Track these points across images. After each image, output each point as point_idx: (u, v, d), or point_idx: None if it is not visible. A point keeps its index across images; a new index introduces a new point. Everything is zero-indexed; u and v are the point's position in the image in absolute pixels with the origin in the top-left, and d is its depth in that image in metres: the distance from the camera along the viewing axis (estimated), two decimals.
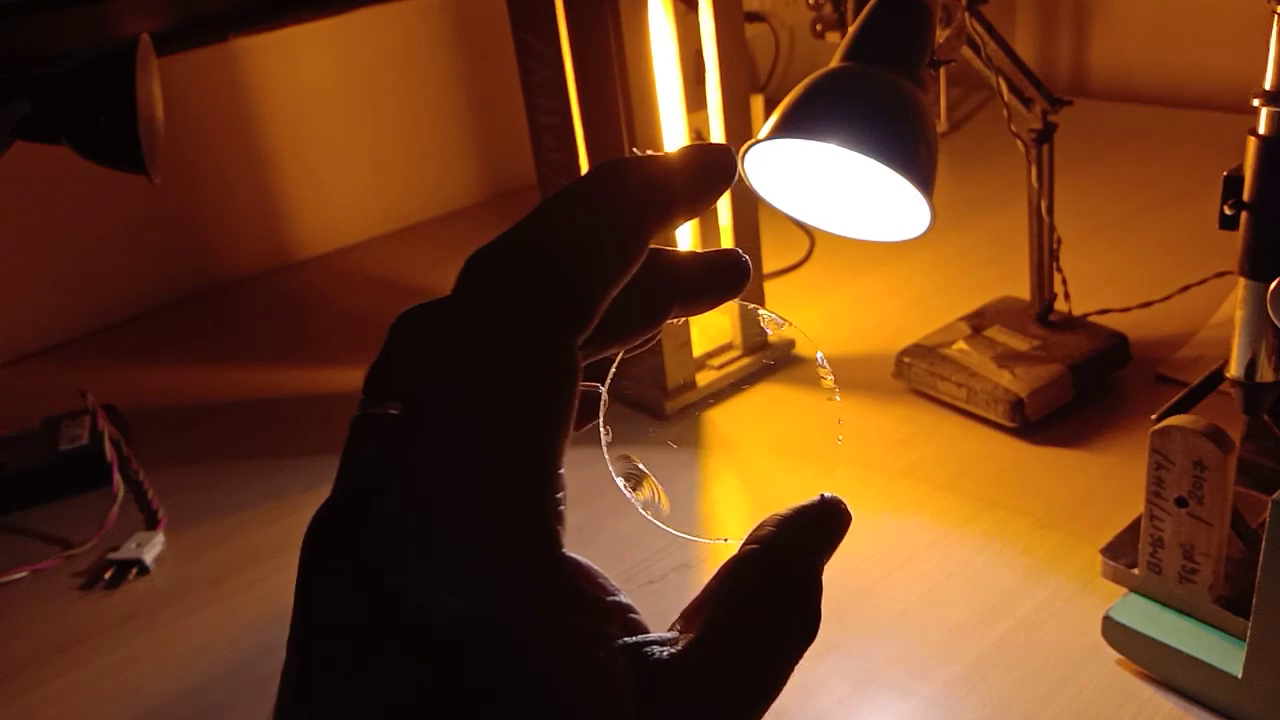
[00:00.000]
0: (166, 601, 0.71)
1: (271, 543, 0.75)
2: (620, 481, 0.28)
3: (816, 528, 0.26)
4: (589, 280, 0.22)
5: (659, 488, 0.29)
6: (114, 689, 0.64)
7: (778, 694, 0.24)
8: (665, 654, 0.23)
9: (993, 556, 0.65)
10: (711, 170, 0.25)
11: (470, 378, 0.22)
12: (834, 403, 0.30)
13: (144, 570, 0.73)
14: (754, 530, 0.26)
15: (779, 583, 0.25)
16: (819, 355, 0.30)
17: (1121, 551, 0.57)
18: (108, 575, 0.73)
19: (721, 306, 0.27)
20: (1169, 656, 0.54)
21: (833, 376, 0.30)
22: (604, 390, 0.27)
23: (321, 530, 0.22)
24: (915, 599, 0.63)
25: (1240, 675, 0.51)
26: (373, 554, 0.21)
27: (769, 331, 0.30)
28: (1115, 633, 0.56)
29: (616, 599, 0.24)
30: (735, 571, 0.25)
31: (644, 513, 0.29)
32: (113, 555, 0.74)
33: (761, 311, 0.30)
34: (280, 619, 0.71)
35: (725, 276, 0.26)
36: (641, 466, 0.29)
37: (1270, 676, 0.49)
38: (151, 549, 0.74)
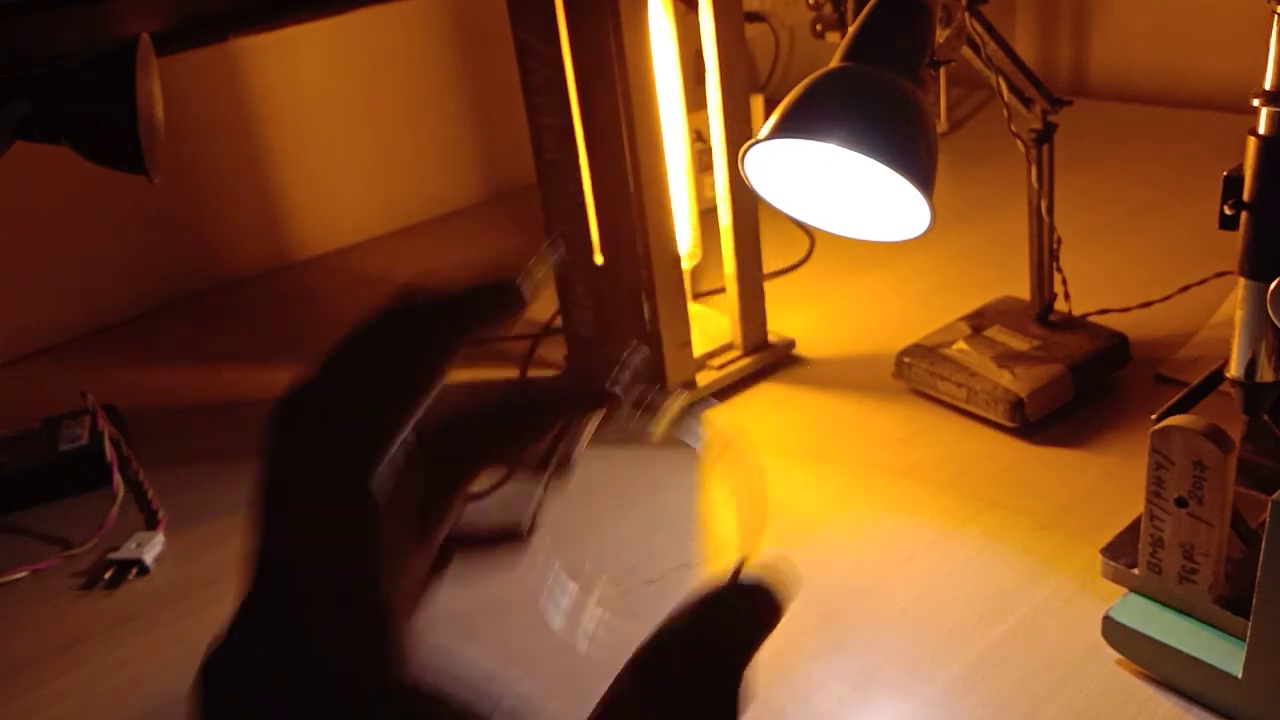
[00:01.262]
0: (166, 601, 0.71)
1: None
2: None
3: (737, 616, 0.23)
4: (381, 424, 0.25)
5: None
6: (114, 689, 0.64)
7: None
8: None
9: (993, 556, 0.65)
10: (498, 304, 0.26)
11: (279, 528, 0.25)
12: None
13: (144, 570, 0.73)
14: (672, 613, 0.23)
15: (695, 679, 0.22)
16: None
17: (1121, 551, 0.57)
18: (108, 575, 0.73)
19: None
20: (1169, 656, 0.54)
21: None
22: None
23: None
24: (915, 599, 0.63)
25: (1240, 675, 0.51)
26: None
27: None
28: (1115, 633, 0.56)
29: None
30: (646, 663, 0.22)
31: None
32: (113, 555, 0.74)
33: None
34: None
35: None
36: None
37: (1270, 676, 0.49)
38: (151, 549, 0.74)
